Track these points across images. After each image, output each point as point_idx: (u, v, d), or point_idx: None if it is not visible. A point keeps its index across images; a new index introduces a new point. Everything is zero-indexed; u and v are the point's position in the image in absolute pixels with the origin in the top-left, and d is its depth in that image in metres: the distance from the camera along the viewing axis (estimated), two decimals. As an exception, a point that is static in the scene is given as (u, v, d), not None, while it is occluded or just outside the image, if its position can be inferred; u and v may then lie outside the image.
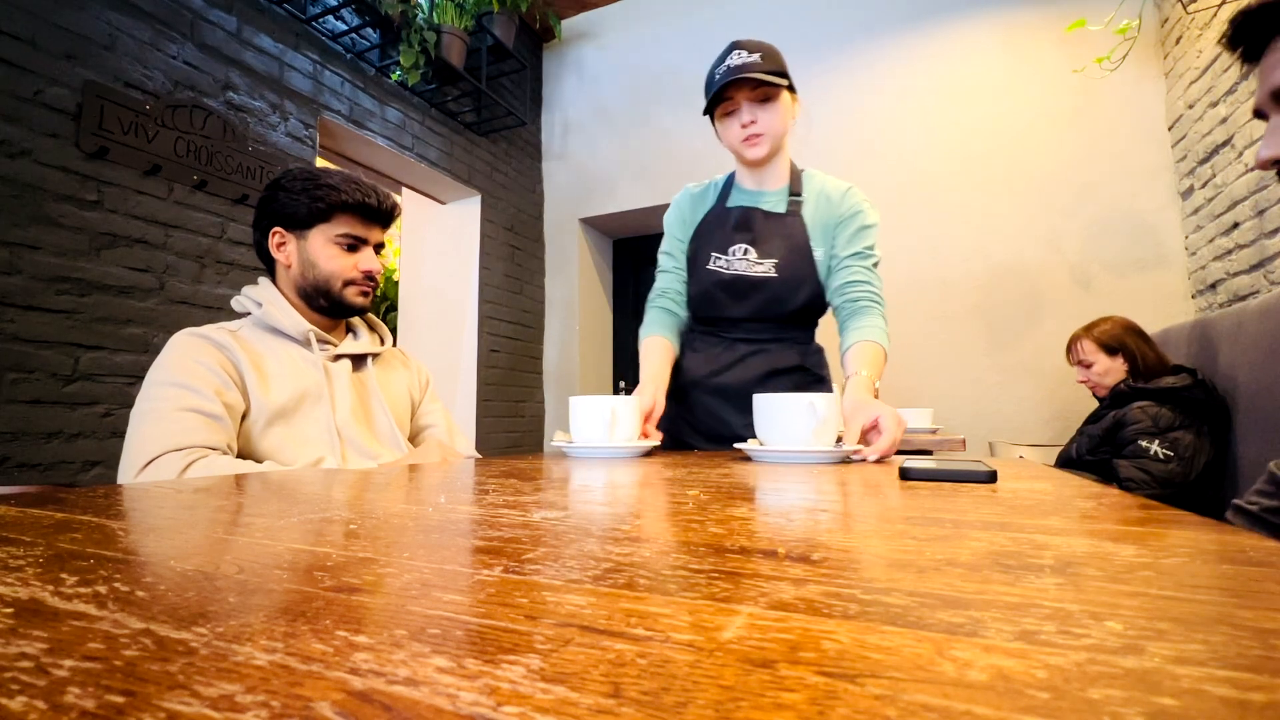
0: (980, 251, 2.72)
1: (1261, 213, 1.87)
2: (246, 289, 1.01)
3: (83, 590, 0.21)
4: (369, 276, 1.02)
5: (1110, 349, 1.80)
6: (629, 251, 3.95)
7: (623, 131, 3.58)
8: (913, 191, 2.85)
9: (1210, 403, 1.60)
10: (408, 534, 0.31)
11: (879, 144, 2.94)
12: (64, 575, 0.23)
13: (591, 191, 3.62)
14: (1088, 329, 1.86)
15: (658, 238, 1.39)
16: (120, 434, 0.83)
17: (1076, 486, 0.52)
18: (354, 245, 1.00)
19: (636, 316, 3.90)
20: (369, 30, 2.55)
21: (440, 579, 0.23)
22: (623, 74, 3.61)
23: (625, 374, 3.90)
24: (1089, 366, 1.85)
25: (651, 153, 3.48)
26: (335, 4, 2.37)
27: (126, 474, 0.80)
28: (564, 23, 3.77)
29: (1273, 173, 0.62)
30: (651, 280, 1.33)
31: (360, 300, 1.02)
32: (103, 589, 0.21)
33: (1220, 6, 1.99)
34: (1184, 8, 2.16)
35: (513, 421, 3.36)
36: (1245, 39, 0.62)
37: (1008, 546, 0.28)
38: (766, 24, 3.25)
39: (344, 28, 2.48)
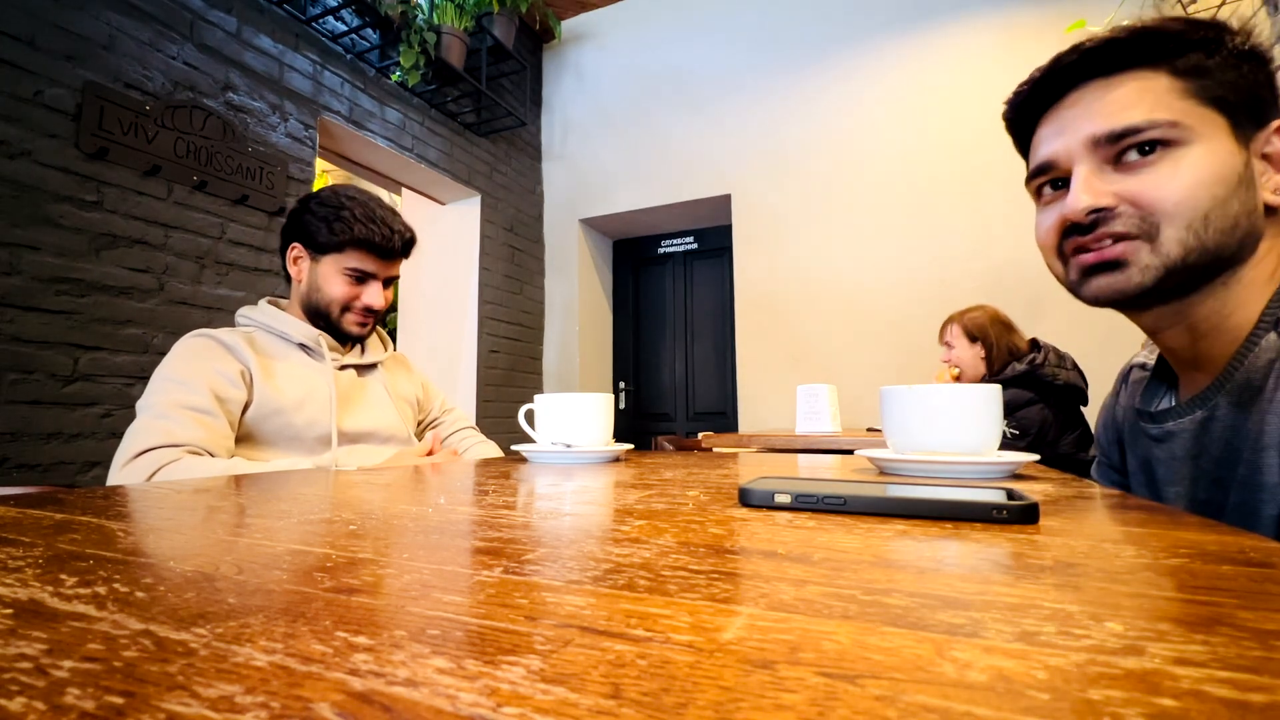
0: (980, 252, 2.72)
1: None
2: (246, 310, 1.03)
3: (82, 591, 0.21)
4: (368, 309, 1.03)
5: (972, 336, 1.91)
6: (629, 252, 3.95)
7: (622, 132, 3.58)
8: (913, 192, 2.85)
9: (1056, 378, 1.74)
10: (407, 535, 0.31)
11: (879, 144, 2.94)
12: (63, 576, 0.23)
13: (591, 192, 3.63)
14: (961, 314, 1.97)
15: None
16: (120, 435, 0.84)
17: (1076, 487, 0.52)
18: (362, 278, 1.02)
19: (636, 317, 3.91)
20: (369, 31, 2.55)
21: (440, 580, 0.23)
22: (622, 75, 3.62)
23: (625, 375, 3.90)
24: (951, 349, 1.96)
25: (651, 153, 3.48)
26: (335, 4, 2.37)
27: (115, 464, 0.82)
28: (564, 23, 3.77)
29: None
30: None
31: (356, 330, 1.04)
32: (102, 590, 0.21)
33: (1220, 6, 2.00)
34: (1183, 8, 2.16)
35: (513, 422, 3.35)
36: (1017, 132, 0.62)
37: (1008, 548, 0.28)
38: (766, 25, 3.25)
39: (344, 28, 2.48)
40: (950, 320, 1.98)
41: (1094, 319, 1.98)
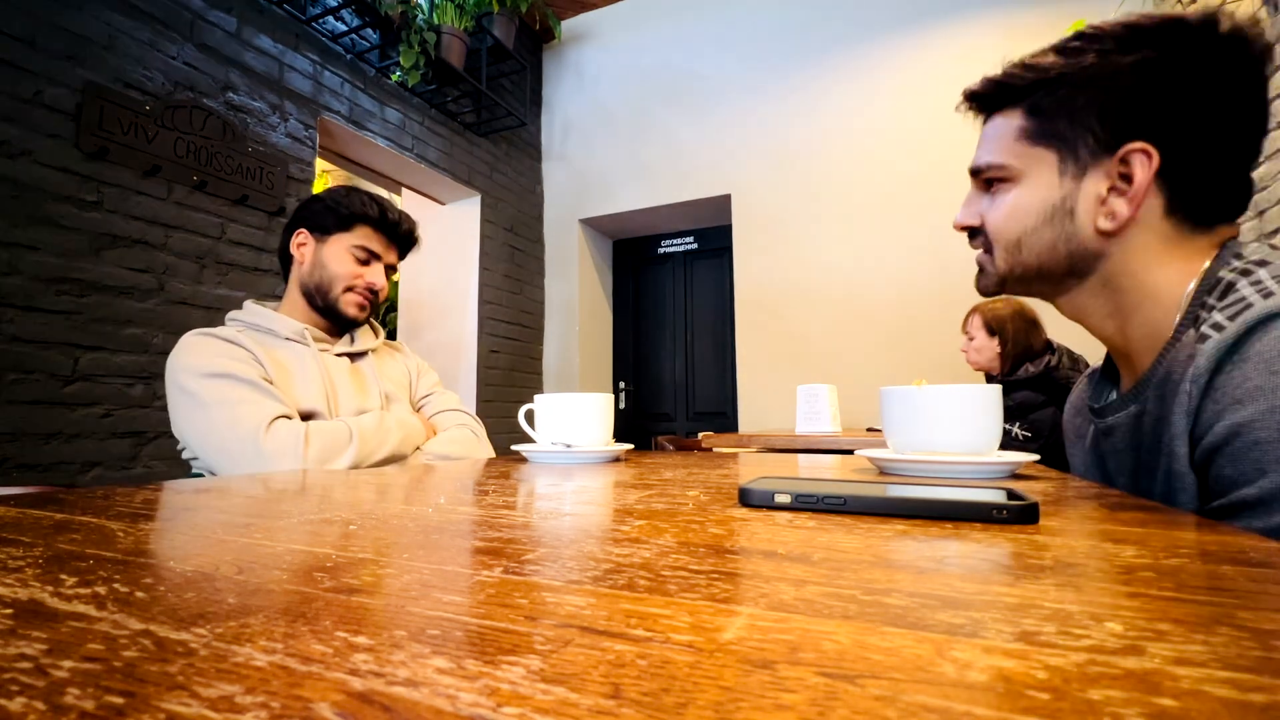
0: (980, 252, 2.72)
1: (1261, 213, 1.87)
2: (231, 313, 1.04)
3: (82, 591, 0.21)
4: (370, 290, 1.04)
5: (991, 329, 1.90)
6: (629, 252, 3.95)
7: (622, 132, 3.58)
8: (913, 192, 2.85)
9: (1070, 381, 1.73)
10: (407, 534, 0.31)
11: (879, 144, 2.94)
12: (63, 576, 0.23)
13: (591, 192, 3.63)
14: (986, 304, 1.96)
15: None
16: (119, 435, 0.84)
17: (1076, 487, 0.52)
18: (367, 260, 1.04)
19: (636, 317, 3.91)
20: (369, 31, 2.56)
21: (440, 580, 0.23)
22: (622, 74, 3.62)
23: (625, 375, 3.90)
24: (971, 339, 1.96)
25: (651, 153, 3.48)
26: (335, 4, 2.37)
27: (242, 451, 0.82)
28: (563, 23, 3.77)
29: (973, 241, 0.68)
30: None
31: (355, 312, 1.04)
32: (102, 590, 0.21)
33: (1219, 7, 2.00)
34: (1183, 8, 2.17)
35: (513, 422, 3.35)
36: (979, 104, 0.66)
37: (1008, 548, 0.28)
38: (766, 25, 3.25)
39: (344, 28, 2.48)
40: (974, 311, 1.99)
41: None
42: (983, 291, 0.67)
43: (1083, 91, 0.55)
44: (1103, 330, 0.61)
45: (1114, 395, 0.65)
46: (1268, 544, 0.27)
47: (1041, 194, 0.58)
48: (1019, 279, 0.62)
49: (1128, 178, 0.54)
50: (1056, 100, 0.57)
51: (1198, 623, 0.17)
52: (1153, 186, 0.53)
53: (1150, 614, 0.18)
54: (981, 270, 0.66)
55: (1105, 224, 0.55)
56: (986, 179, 0.62)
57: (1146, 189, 0.53)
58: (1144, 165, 0.53)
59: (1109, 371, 0.68)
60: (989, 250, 0.64)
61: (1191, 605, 0.19)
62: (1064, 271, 0.59)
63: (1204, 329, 0.49)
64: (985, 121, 0.65)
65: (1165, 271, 0.55)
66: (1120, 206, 0.54)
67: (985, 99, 0.63)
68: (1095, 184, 0.55)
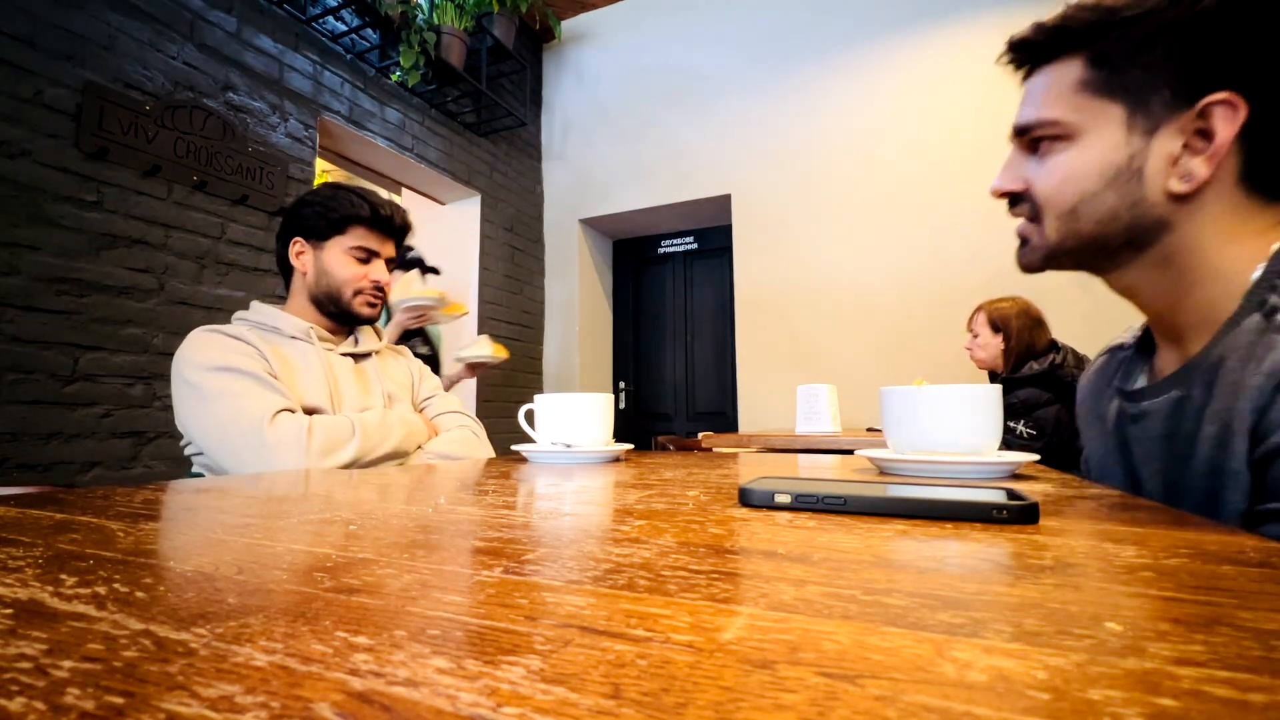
0: (982, 253, 2.72)
1: (1261, 213, 1.87)
2: (238, 313, 1.04)
3: (82, 591, 0.21)
4: (377, 287, 1.06)
5: (995, 326, 1.92)
6: (629, 252, 3.95)
7: (622, 132, 3.58)
8: (913, 192, 2.85)
9: (1075, 380, 1.75)
10: (407, 534, 0.31)
11: (880, 144, 2.94)
12: (63, 576, 0.23)
13: (591, 192, 3.63)
14: (990, 303, 1.97)
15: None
16: (119, 435, 0.84)
17: (1076, 487, 0.52)
18: (366, 258, 1.05)
19: (636, 317, 3.91)
20: (369, 31, 2.55)
21: (440, 580, 0.23)
22: (622, 74, 3.62)
23: (625, 375, 3.90)
24: (975, 336, 1.98)
25: (651, 153, 3.48)
26: (335, 4, 2.37)
27: (246, 442, 0.82)
28: (564, 23, 3.77)
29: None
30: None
31: (367, 311, 1.06)
32: (102, 590, 0.21)
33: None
34: None
35: (513, 422, 3.36)
36: (1028, 55, 0.59)
37: (1008, 548, 0.28)
38: (766, 25, 3.25)
39: (344, 28, 2.48)
40: (979, 308, 2.00)
41: (1097, 318, 1.98)
42: (1026, 267, 0.60)
43: (1160, 39, 0.48)
44: (1153, 308, 0.56)
45: (1144, 378, 0.60)
46: (1268, 544, 0.27)
47: (1104, 153, 0.51)
48: (1070, 251, 0.56)
49: (1206, 134, 0.48)
50: (1127, 49, 0.50)
51: (1198, 623, 0.17)
52: (1231, 146, 0.48)
53: (1150, 614, 0.18)
54: (1025, 243, 0.59)
55: (1178, 186, 0.49)
56: (1034, 138, 0.56)
57: (1229, 146, 0.47)
58: (1228, 119, 0.47)
59: (1144, 350, 0.63)
60: (1036, 219, 0.57)
61: (1191, 605, 0.19)
62: (1121, 243, 0.53)
63: None
64: (1027, 77, 0.58)
65: (1233, 249, 0.49)
66: (1197, 167, 0.48)
67: (1036, 48, 0.56)
68: (1168, 141, 0.49)
